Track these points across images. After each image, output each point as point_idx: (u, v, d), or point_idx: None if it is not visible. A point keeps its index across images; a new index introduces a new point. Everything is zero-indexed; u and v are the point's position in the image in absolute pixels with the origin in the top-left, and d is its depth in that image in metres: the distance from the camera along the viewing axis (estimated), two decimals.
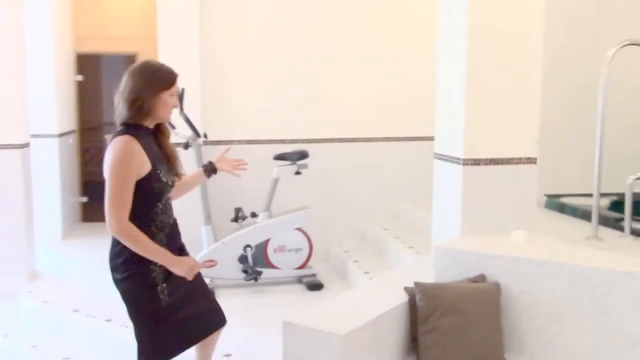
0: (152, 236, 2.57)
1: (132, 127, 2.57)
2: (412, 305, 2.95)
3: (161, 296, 2.60)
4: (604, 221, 3.98)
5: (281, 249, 4.87)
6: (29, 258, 5.10)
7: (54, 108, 6.00)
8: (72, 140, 6.75)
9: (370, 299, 3.10)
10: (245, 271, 4.73)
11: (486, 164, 3.48)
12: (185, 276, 2.63)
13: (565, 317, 2.84)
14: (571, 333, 2.83)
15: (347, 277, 5.00)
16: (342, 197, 5.71)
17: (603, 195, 3.93)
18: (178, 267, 2.61)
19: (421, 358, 2.83)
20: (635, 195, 3.83)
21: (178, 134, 4.76)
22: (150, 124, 2.66)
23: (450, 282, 3.07)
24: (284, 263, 4.90)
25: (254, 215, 4.93)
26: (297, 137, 5.51)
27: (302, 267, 4.94)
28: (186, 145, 4.75)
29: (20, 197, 4.91)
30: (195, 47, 5.24)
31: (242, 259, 4.74)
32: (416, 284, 2.97)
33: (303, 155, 4.91)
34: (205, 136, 4.90)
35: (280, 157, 4.91)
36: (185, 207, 5.13)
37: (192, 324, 2.74)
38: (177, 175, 2.78)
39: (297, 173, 4.87)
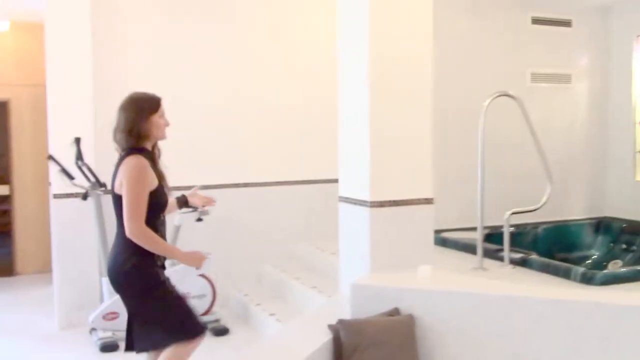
0: None
1: (137, 150, 2.98)
2: (337, 342, 3.13)
3: (170, 288, 3.06)
4: (485, 252, 4.42)
5: (185, 296, 4.84)
6: None
7: None
8: None
9: (295, 341, 3.24)
10: None
11: (390, 205, 3.79)
12: (196, 266, 3.21)
13: (474, 341, 3.16)
14: (480, 356, 3.15)
15: (251, 320, 5.08)
16: (235, 240, 5.78)
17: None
18: (190, 259, 3.15)
19: None
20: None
21: (76, 184, 4.66)
22: (149, 146, 3.06)
23: (369, 317, 3.29)
24: None
25: None
26: (193, 183, 5.54)
27: (206, 313, 4.94)
28: (85, 196, 4.65)
29: None
30: (88, 95, 5.14)
31: None
32: (340, 321, 3.17)
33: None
34: (105, 186, 4.83)
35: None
36: (82, 259, 5.04)
37: (194, 316, 3.13)
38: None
39: (199, 220, 4.92)
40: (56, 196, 5.09)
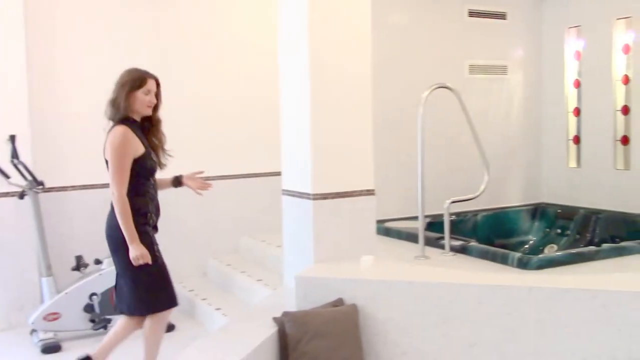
0: (145, 204, 3.32)
1: (123, 120, 3.27)
2: (282, 334, 3.17)
3: (157, 254, 3.34)
4: (426, 241, 4.51)
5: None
6: None
7: None
8: None
9: (241, 335, 3.26)
10: (92, 320, 4.58)
11: (333, 197, 3.84)
12: (133, 259, 3.20)
13: (415, 328, 3.25)
14: (421, 342, 3.24)
15: (196, 315, 5.06)
16: (180, 235, 5.72)
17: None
18: (135, 247, 3.19)
19: None
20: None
21: (12, 183, 4.52)
22: (137, 117, 3.35)
23: (314, 308, 3.34)
24: None
25: (98, 262, 4.80)
26: None
27: None
28: (21, 195, 4.52)
29: None
30: (23, 90, 4.97)
31: (88, 308, 4.59)
32: (285, 313, 3.21)
33: None
34: (42, 184, 4.70)
35: None
36: (21, 258, 4.89)
37: (170, 287, 3.45)
38: (160, 165, 3.47)
39: None
40: None
